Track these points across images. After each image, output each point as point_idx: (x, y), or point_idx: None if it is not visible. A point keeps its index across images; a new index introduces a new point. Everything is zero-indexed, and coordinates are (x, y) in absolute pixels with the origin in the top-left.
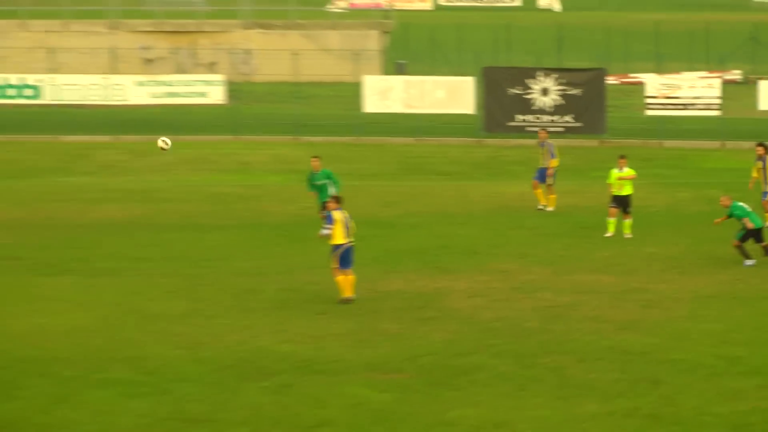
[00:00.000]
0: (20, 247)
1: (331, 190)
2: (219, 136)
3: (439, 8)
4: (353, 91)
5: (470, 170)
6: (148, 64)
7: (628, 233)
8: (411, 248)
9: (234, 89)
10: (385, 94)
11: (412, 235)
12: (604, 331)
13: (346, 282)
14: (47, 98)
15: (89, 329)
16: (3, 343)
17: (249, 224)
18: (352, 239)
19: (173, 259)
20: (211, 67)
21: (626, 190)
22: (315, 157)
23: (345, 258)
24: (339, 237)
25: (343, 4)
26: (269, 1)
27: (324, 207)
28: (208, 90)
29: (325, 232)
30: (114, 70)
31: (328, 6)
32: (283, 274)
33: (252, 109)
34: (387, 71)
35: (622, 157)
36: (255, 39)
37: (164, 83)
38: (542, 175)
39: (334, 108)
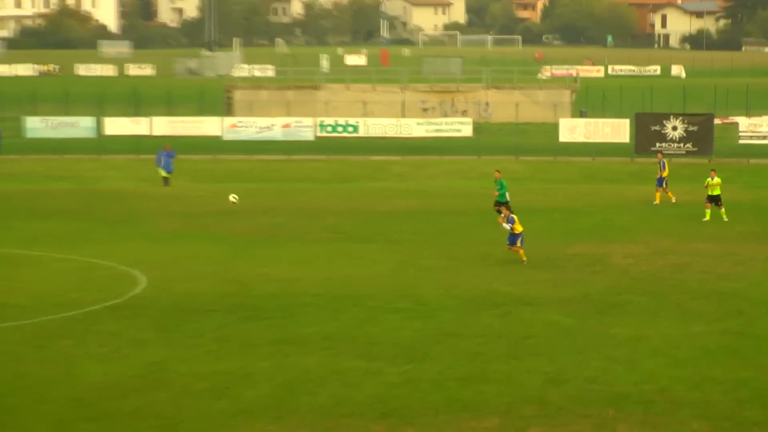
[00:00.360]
0: (344, 225)
1: (507, 195)
2: (468, 156)
3: (608, 76)
4: (553, 128)
5: (625, 178)
6: (425, 112)
7: (725, 218)
8: (587, 227)
9: (477, 127)
10: (573, 130)
11: (588, 219)
12: (708, 280)
13: (519, 252)
14: (361, 133)
15: (384, 276)
16: (327, 287)
17: (483, 211)
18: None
19: (438, 233)
20: (463, 113)
21: (716, 191)
22: (497, 170)
23: (515, 239)
24: (518, 228)
25: (547, 74)
26: (501, 71)
27: (499, 204)
28: (462, 128)
29: (506, 226)
30: (403, 115)
31: (538, 75)
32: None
33: (489, 139)
34: (574, 115)
35: (713, 170)
36: (491, 95)
37: (434, 123)
38: (660, 182)
39: (540, 139)
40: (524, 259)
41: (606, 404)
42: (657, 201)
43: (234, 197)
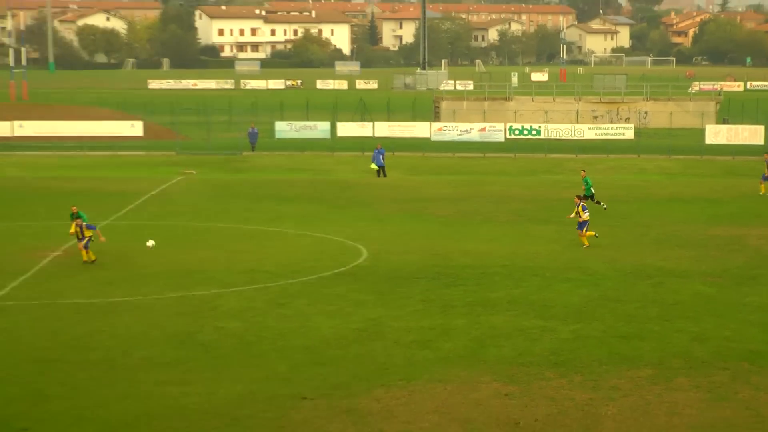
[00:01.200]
0: (527, 209)
1: (591, 189)
2: (629, 155)
3: (746, 90)
4: (700, 133)
5: (760, 174)
6: (594, 119)
7: None
8: (727, 213)
9: (637, 131)
10: (717, 134)
11: (727, 207)
12: None
13: (583, 237)
14: (543, 135)
15: (558, 252)
16: (512, 260)
17: (639, 199)
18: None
19: (603, 217)
20: (626, 120)
21: None
22: (583, 170)
23: (582, 226)
24: (585, 216)
25: (696, 88)
26: (657, 86)
27: (584, 197)
28: (625, 132)
29: (585, 215)
30: (577, 121)
31: (689, 89)
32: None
33: (647, 141)
34: (718, 122)
35: None
36: (649, 106)
37: (602, 128)
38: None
39: (689, 141)
40: (586, 244)
41: (742, 359)
42: (762, 192)
43: (151, 243)
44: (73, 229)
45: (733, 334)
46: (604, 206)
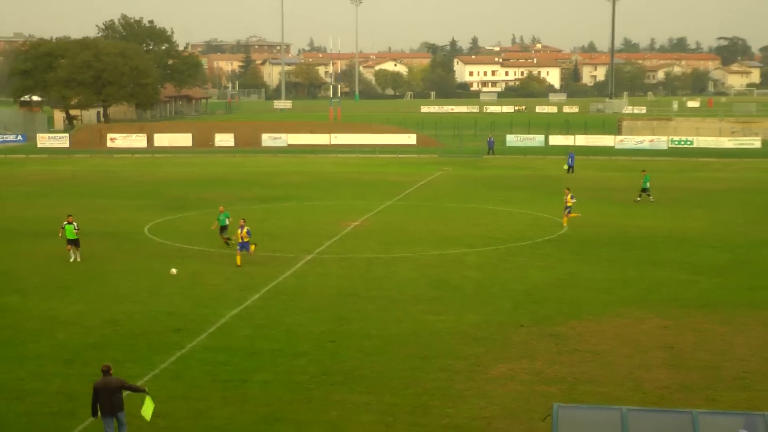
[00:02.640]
0: (692, 198)
1: (648, 185)
2: (758, 159)
3: None
4: None
5: None
6: (733, 134)
7: None
8: None
9: (764, 142)
10: None
11: None
12: None
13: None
14: (695, 145)
15: (703, 228)
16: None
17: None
18: None
19: (746, 203)
20: (756, 135)
21: None
22: (643, 170)
23: None
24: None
25: None
26: None
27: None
28: (754, 143)
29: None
30: (719, 135)
31: None
32: None
33: None
34: None
35: None
36: None
37: (738, 140)
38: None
39: None
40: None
41: None
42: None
43: (174, 271)
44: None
45: None
46: (651, 199)
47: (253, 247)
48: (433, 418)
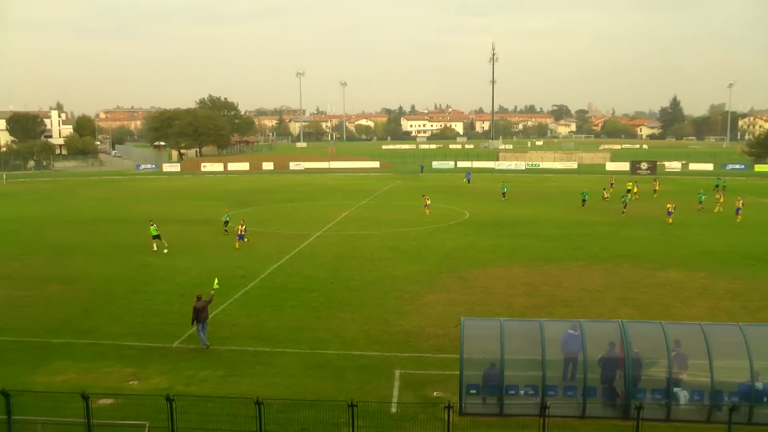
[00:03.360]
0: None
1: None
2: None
3: (622, 148)
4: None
5: None
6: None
7: None
8: None
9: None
10: (609, 166)
11: None
12: None
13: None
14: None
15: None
16: None
17: None
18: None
19: None
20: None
21: None
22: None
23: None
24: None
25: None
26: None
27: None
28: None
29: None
30: None
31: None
32: None
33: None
34: (611, 161)
35: None
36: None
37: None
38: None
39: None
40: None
41: (619, 257)
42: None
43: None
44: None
45: (618, 246)
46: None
47: (246, 239)
48: (392, 326)
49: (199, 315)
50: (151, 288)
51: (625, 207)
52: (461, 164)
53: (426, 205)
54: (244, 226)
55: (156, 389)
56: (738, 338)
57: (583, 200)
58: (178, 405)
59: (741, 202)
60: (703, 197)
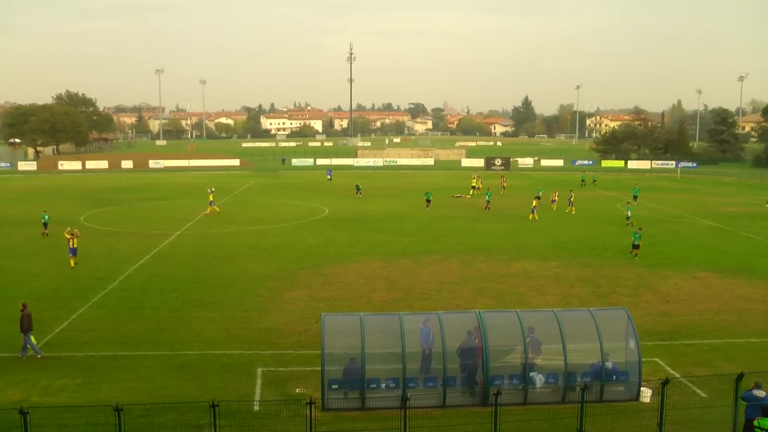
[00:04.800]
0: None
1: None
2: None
3: (477, 144)
4: (458, 162)
5: None
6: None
7: None
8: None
9: (436, 162)
10: (466, 162)
11: None
12: None
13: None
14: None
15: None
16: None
17: None
18: None
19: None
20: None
21: None
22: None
23: None
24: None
25: (457, 144)
26: (441, 143)
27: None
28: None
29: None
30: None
31: (454, 144)
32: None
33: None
34: (467, 157)
35: None
36: (439, 151)
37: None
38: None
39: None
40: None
41: (476, 251)
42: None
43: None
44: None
45: (471, 241)
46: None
47: (73, 262)
48: (253, 324)
49: (26, 323)
50: (3, 294)
51: (489, 202)
52: (320, 161)
53: (211, 202)
54: (73, 238)
55: (9, 402)
56: (589, 322)
57: (428, 200)
58: (33, 418)
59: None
60: (541, 193)
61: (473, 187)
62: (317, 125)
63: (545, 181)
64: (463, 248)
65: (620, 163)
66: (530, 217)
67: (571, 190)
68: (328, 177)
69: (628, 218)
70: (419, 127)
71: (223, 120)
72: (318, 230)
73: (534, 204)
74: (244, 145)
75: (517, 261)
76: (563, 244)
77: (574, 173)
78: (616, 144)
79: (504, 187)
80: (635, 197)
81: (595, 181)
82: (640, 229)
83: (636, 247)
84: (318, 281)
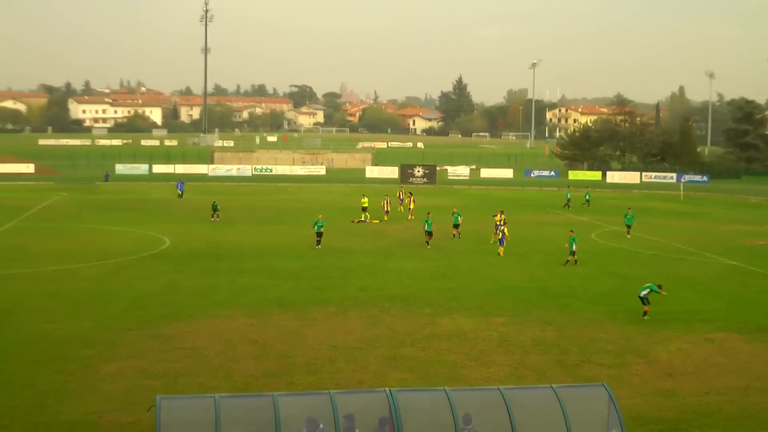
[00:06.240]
0: (273, 217)
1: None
2: (321, 184)
3: (388, 147)
4: (362, 171)
5: None
6: (303, 163)
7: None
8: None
9: (328, 170)
10: (372, 172)
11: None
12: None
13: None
14: (274, 173)
15: (283, 241)
16: (258, 245)
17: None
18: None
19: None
20: (321, 164)
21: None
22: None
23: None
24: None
25: (360, 146)
26: (340, 145)
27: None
28: (320, 170)
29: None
30: (293, 164)
31: (356, 146)
32: None
33: (334, 175)
34: (373, 165)
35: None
36: (335, 156)
37: (308, 168)
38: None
39: (357, 175)
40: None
41: (385, 300)
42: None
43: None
44: None
45: (381, 285)
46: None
47: None
48: (49, 416)
49: None
50: None
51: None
52: (159, 169)
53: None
54: None
55: None
56: (552, 406)
57: (318, 234)
58: None
59: (501, 218)
60: (459, 218)
61: (364, 208)
62: (155, 115)
63: (489, 201)
64: (367, 297)
65: (595, 175)
66: (491, 241)
67: (501, 211)
68: (179, 192)
69: (572, 253)
70: (305, 120)
71: (9, 104)
72: (155, 270)
73: (498, 220)
74: (43, 142)
75: (447, 315)
76: (512, 289)
77: (530, 190)
78: (589, 148)
79: (411, 209)
80: (628, 228)
81: (588, 201)
82: (572, 231)
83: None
84: (152, 347)
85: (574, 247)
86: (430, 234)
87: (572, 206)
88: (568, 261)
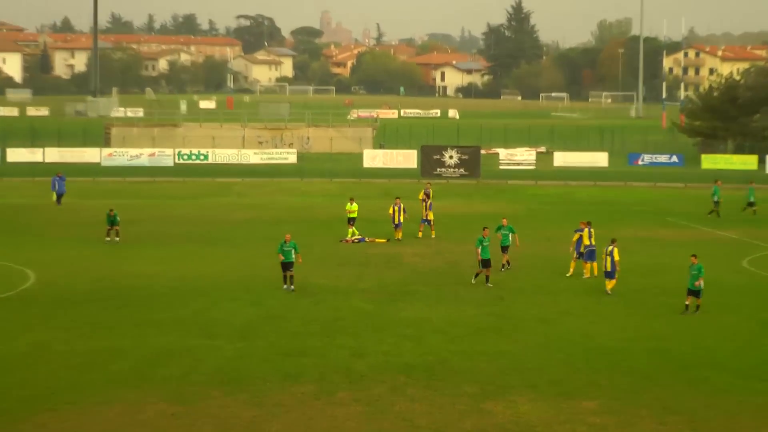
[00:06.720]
0: (196, 231)
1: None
2: (293, 178)
3: (400, 117)
4: (359, 157)
5: (413, 195)
6: (260, 145)
7: None
8: (385, 232)
9: (300, 156)
10: (374, 159)
11: (386, 226)
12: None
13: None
14: (210, 160)
15: (227, 272)
16: (181, 281)
17: (304, 220)
18: None
19: (269, 238)
20: (290, 146)
21: None
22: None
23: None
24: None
25: (354, 115)
26: (318, 113)
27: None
28: (288, 156)
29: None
30: (243, 147)
31: (348, 116)
32: None
33: (310, 165)
34: (375, 147)
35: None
36: (312, 132)
37: (267, 153)
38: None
39: (349, 165)
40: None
41: (398, 372)
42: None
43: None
44: None
45: (389, 349)
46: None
47: None
48: None
49: None
50: None
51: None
52: (16, 155)
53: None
54: None
55: None
56: None
57: (285, 264)
58: None
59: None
60: (511, 236)
61: (351, 220)
62: (10, 65)
63: (570, 206)
64: (368, 367)
65: (747, 161)
66: (568, 273)
67: (587, 223)
68: (56, 194)
69: (693, 292)
70: (262, 74)
71: None
72: (10, 325)
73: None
74: None
75: (502, 398)
76: (611, 353)
77: (638, 187)
78: (737, 116)
79: (430, 219)
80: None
81: (752, 204)
82: (694, 256)
83: None
84: None
85: (696, 283)
86: (487, 263)
87: (724, 212)
88: (687, 306)
